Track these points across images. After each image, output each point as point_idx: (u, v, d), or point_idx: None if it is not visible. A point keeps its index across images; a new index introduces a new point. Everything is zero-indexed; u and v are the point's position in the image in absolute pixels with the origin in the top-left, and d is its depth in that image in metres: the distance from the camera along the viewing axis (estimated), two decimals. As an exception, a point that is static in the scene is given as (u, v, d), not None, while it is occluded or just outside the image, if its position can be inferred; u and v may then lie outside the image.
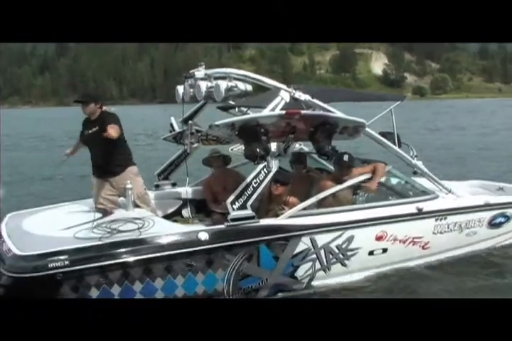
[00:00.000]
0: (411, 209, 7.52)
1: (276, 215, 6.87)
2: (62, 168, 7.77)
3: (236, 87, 6.62)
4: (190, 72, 7.07)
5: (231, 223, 6.34)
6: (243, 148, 6.69)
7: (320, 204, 7.23)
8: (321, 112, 6.92)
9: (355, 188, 7.59)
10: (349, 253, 7.11)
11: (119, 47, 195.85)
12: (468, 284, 7.32)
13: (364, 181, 7.54)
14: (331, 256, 7.00)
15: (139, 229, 6.17)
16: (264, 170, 6.50)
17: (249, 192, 6.41)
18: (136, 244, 5.97)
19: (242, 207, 6.37)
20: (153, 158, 17.06)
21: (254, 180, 6.47)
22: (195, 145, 8.56)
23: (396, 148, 7.78)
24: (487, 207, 8.23)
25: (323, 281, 7.10)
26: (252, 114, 7.02)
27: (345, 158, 7.46)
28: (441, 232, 7.82)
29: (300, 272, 6.89)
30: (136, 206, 7.16)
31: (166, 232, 6.23)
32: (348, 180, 7.47)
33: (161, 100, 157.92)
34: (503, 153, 22.76)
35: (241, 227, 6.40)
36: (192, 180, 8.87)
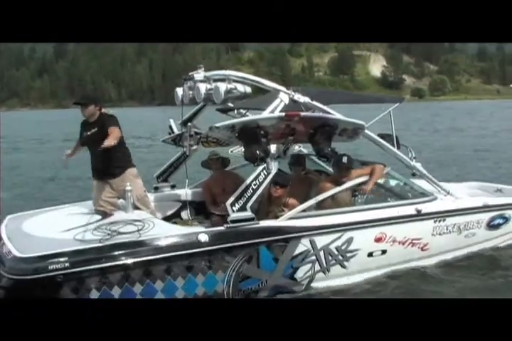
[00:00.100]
0: (410, 210, 7.52)
1: (276, 217, 6.88)
2: (61, 170, 7.76)
3: (235, 89, 6.63)
4: (190, 74, 7.08)
5: (231, 225, 6.35)
6: (243, 149, 6.70)
7: (319, 205, 7.22)
8: (321, 114, 6.94)
9: (354, 190, 7.60)
10: (348, 254, 7.12)
11: (118, 49, 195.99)
12: (469, 284, 7.35)
13: (362, 183, 7.56)
14: (330, 258, 7.01)
15: (138, 231, 6.17)
16: (264, 171, 6.51)
17: (248, 193, 6.42)
18: (136, 246, 5.98)
19: (242, 208, 6.38)
20: (151, 161, 17.09)
21: (254, 182, 6.47)
22: (194, 147, 8.55)
23: (395, 149, 7.79)
24: (485, 208, 8.25)
25: (322, 283, 7.10)
26: (251, 116, 7.03)
27: (344, 159, 7.48)
28: (440, 234, 7.83)
29: (300, 273, 6.90)
30: (136, 208, 7.15)
31: (166, 234, 6.23)
32: (347, 182, 7.48)
33: (160, 102, 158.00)
34: (502, 154, 22.79)
35: (241, 229, 6.40)
36: (191, 182, 8.87)
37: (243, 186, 6.48)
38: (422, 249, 7.77)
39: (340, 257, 7.08)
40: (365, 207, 7.44)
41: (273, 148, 7.09)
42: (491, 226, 8.39)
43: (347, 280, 7.25)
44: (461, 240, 8.14)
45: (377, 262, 7.42)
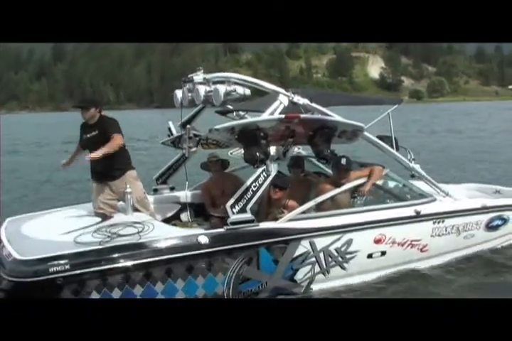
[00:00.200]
0: (409, 212, 7.54)
1: (276, 219, 6.88)
2: (60, 173, 7.75)
3: (235, 91, 6.62)
4: (189, 76, 7.09)
5: (231, 226, 6.36)
6: (242, 151, 6.71)
7: (319, 207, 7.25)
8: (320, 116, 6.95)
9: (353, 191, 7.62)
10: (348, 256, 7.13)
11: (116, 51, 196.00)
12: (468, 285, 7.37)
13: (361, 184, 7.57)
14: (330, 259, 7.02)
15: (138, 233, 6.17)
16: (264, 173, 6.52)
17: (248, 195, 6.43)
18: (136, 248, 5.98)
19: (242, 210, 6.39)
20: (150, 163, 17.08)
21: (254, 184, 6.48)
22: (194, 149, 8.57)
23: (394, 151, 7.81)
24: (484, 210, 8.26)
25: (322, 284, 7.11)
26: (251, 118, 7.04)
27: (343, 161, 7.50)
28: (439, 235, 7.84)
29: (299, 275, 6.91)
30: (136, 210, 7.15)
31: (166, 236, 6.24)
32: (346, 184, 7.50)
33: (158, 105, 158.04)
34: (500, 156, 22.80)
35: (241, 231, 6.41)
36: (190, 184, 8.88)
37: (243, 188, 6.49)
38: (422, 250, 7.78)
39: (339, 259, 7.09)
40: (365, 208, 7.45)
41: (273, 150, 7.08)
42: (490, 227, 8.41)
43: (347, 281, 7.26)
44: (460, 241, 8.16)
45: (377, 263, 7.43)
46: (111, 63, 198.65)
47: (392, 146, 7.85)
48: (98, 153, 6.92)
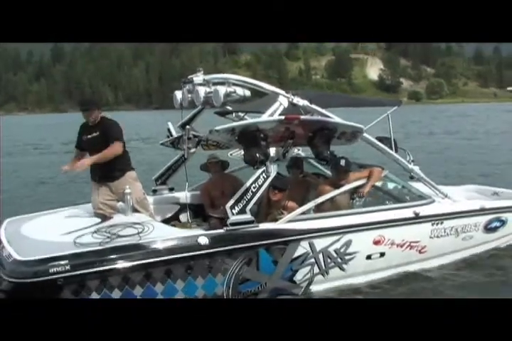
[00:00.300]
0: (408, 213, 7.56)
1: (275, 220, 6.89)
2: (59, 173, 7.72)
3: (235, 92, 6.63)
4: (189, 77, 7.11)
5: (230, 227, 6.37)
6: (242, 153, 6.72)
7: (318, 208, 7.27)
8: (320, 117, 6.96)
9: (352, 193, 7.64)
10: (347, 257, 7.15)
11: (114, 52, 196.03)
12: (466, 286, 7.38)
13: (360, 186, 7.60)
14: (329, 260, 7.04)
15: (138, 233, 6.17)
16: (263, 174, 6.53)
17: (248, 196, 6.44)
18: (136, 249, 5.99)
19: (242, 211, 6.40)
20: (149, 164, 17.09)
21: (253, 185, 6.49)
22: (193, 150, 8.60)
23: (393, 153, 7.82)
24: (483, 211, 8.28)
25: (321, 285, 7.12)
26: (251, 120, 7.05)
27: (342, 162, 7.52)
28: (437, 236, 7.86)
29: (299, 276, 6.92)
30: (135, 211, 7.15)
31: (166, 237, 6.24)
32: (346, 185, 7.52)
33: (157, 106, 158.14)
34: (499, 157, 22.83)
35: (240, 232, 6.42)
36: (189, 185, 8.89)
37: (243, 189, 6.51)
38: (420, 252, 7.80)
39: (339, 260, 7.10)
40: (364, 209, 7.47)
41: (272, 151, 7.10)
42: (488, 229, 8.42)
43: (346, 282, 7.27)
44: (459, 243, 8.17)
45: (376, 265, 7.44)
46: (110, 64, 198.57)
47: (391, 148, 7.86)
48: (91, 161, 7.09)
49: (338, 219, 7.12)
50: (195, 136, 8.50)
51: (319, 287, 7.11)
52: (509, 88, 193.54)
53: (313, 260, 6.93)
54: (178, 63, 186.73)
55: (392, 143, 7.98)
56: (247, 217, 6.46)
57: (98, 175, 7.45)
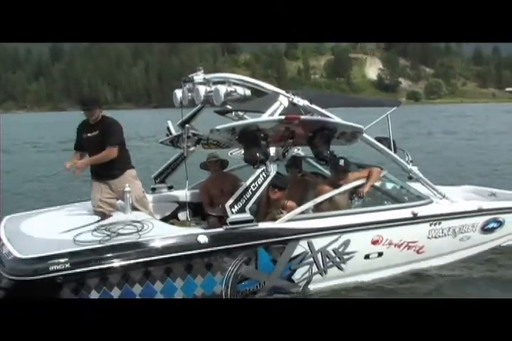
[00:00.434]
0: (406, 213, 7.58)
1: (275, 219, 6.91)
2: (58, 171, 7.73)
3: (235, 91, 6.65)
4: (189, 76, 7.12)
5: (230, 226, 6.39)
6: (242, 152, 6.75)
7: (317, 208, 7.30)
8: (320, 117, 6.98)
9: (352, 192, 7.67)
10: (345, 256, 7.17)
11: (114, 51, 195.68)
12: (464, 286, 7.43)
13: (359, 186, 7.62)
14: (327, 260, 7.06)
15: (138, 232, 6.20)
16: (263, 174, 6.55)
17: (247, 195, 6.46)
18: (135, 247, 6.01)
19: (241, 210, 6.42)
20: (148, 162, 17.10)
21: (253, 184, 6.51)
22: (192, 148, 8.62)
23: (392, 153, 7.85)
24: (480, 212, 8.31)
25: (319, 284, 7.15)
26: (252, 119, 7.07)
27: (341, 162, 7.54)
28: (435, 237, 7.88)
29: (297, 275, 6.95)
30: (135, 209, 7.17)
31: (165, 235, 6.26)
32: (345, 185, 7.55)
33: (156, 104, 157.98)
34: (496, 158, 22.85)
35: (240, 231, 6.44)
36: (188, 184, 8.91)
37: (242, 188, 6.52)
38: (418, 252, 7.83)
39: (337, 259, 7.13)
40: (362, 209, 7.50)
41: (272, 150, 7.12)
42: (486, 229, 8.45)
43: (344, 281, 7.29)
44: (456, 243, 8.19)
45: (374, 264, 7.47)
46: (109, 63, 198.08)
47: (390, 148, 7.90)
48: (85, 164, 7.25)
49: (337, 219, 7.15)
50: (194, 135, 8.51)
51: (317, 286, 7.13)
52: (508, 88, 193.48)
53: (311, 259, 6.95)
54: (178, 62, 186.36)
55: (392, 143, 8.01)
56: (247, 216, 6.48)
57: (98, 173, 7.47)
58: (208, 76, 6.99)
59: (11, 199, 13.48)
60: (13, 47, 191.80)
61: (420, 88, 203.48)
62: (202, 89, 6.87)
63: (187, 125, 8.47)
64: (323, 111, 7.09)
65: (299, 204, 7.23)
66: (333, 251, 7.06)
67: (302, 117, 6.54)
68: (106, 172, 7.38)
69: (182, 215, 8.84)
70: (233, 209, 6.39)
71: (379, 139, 7.86)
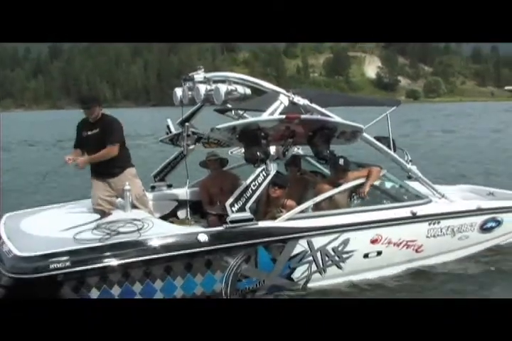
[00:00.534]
0: (405, 213, 7.60)
1: (274, 218, 6.94)
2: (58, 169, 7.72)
3: (236, 90, 6.67)
4: (190, 74, 7.12)
5: (230, 225, 6.40)
6: (243, 151, 6.76)
7: (316, 207, 7.31)
8: (320, 117, 6.99)
9: (351, 192, 7.69)
10: (345, 255, 7.19)
11: (113, 49, 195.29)
12: (463, 286, 7.42)
13: (359, 185, 7.64)
14: (326, 259, 7.09)
15: (138, 230, 6.21)
16: (263, 173, 6.56)
17: (248, 194, 6.46)
18: (136, 246, 6.02)
19: (241, 209, 6.42)
20: (147, 161, 17.09)
21: (253, 183, 6.51)
22: (192, 147, 8.63)
23: (391, 152, 7.87)
24: (479, 211, 8.34)
25: (318, 283, 7.17)
26: (252, 118, 7.09)
27: (341, 161, 7.56)
28: (434, 236, 7.91)
29: (297, 274, 6.97)
30: (134, 207, 7.20)
31: (165, 234, 6.27)
32: (344, 184, 7.57)
33: (155, 103, 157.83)
34: (495, 157, 22.87)
35: (240, 229, 6.45)
36: (186, 181, 8.94)
37: (242, 187, 6.53)
38: (417, 251, 7.85)
39: (336, 258, 7.15)
40: (362, 208, 7.52)
41: (272, 149, 7.14)
42: (484, 229, 8.48)
43: (343, 280, 7.32)
44: (455, 242, 8.22)
45: (373, 263, 7.49)
46: (108, 61, 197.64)
47: (389, 147, 7.91)
48: (86, 161, 7.26)
49: (337, 218, 7.17)
50: (194, 133, 8.53)
51: (317, 285, 7.15)
52: (506, 87, 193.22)
53: (311, 258, 6.98)
54: (177, 60, 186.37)
55: (391, 142, 8.02)
56: (247, 214, 6.49)
57: (98, 171, 7.48)
58: (209, 75, 6.99)
59: (11, 197, 13.48)
60: (12, 46, 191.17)
61: (419, 86, 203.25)
62: (202, 88, 6.88)
63: (187, 123, 8.48)
64: (324, 110, 7.11)
65: (298, 203, 7.27)
66: (333, 249, 7.08)
67: (302, 116, 6.57)
68: (106, 170, 7.40)
69: (181, 213, 8.86)
70: (233, 208, 6.40)
71: (378, 138, 7.87)
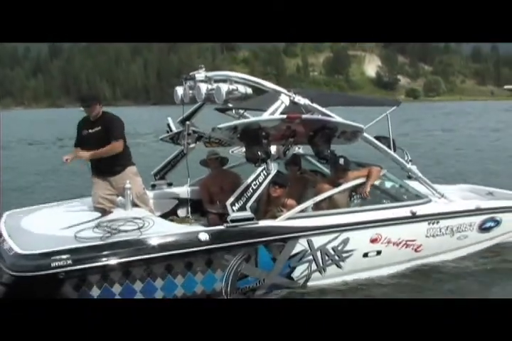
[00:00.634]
0: (405, 212, 7.63)
1: (275, 217, 6.97)
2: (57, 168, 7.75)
3: (237, 90, 6.70)
4: (191, 73, 7.13)
5: (231, 224, 6.42)
6: (243, 150, 6.78)
7: (317, 206, 7.33)
8: (321, 117, 7.02)
9: (351, 191, 7.71)
10: (344, 255, 7.21)
11: (113, 48, 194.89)
12: (461, 285, 7.46)
13: (359, 185, 7.67)
14: (326, 258, 7.11)
15: (139, 229, 6.22)
16: (264, 172, 6.57)
17: (248, 194, 6.48)
18: (137, 244, 6.04)
19: (242, 208, 6.45)
20: (144, 159, 17.12)
21: (254, 182, 6.53)
22: (192, 145, 8.65)
23: (391, 152, 7.90)
24: (478, 211, 8.36)
25: (318, 282, 7.19)
26: (253, 118, 7.11)
27: (341, 161, 7.58)
28: (433, 236, 7.93)
29: (296, 273, 6.99)
30: (135, 206, 7.22)
31: (166, 232, 6.29)
32: (344, 183, 7.59)
33: (155, 101, 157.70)
34: (494, 156, 22.88)
35: (240, 228, 6.47)
36: (187, 181, 8.96)
37: (243, 186, 6.55)
38: (416, 250, 7.87)
39: (336, 257, 7.17)
40: (362, 208, 7.55)
41: (273, 149, 7.16)
42: (483, 229, 8.50)
43: (342, 279, 7.35)
44: (454, 242, 8.25)
45: (372, 262, 7.52)
46: (108, 60, 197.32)
47: (389, 147, 7.93)
48: (91, 154, 7.21)
49: (337, 218, 7.20)
50: (194, 132, 8.54)
51: (316, 284, 7.17)
52: (506, 86, 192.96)
53: (311, 257, 7.00)
54: (176, 59, 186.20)
55: (391, 142, 8.04)
56: (247, 214, 6.51)
57: (99, 169, 7.50)
58: (210, 74, 6.99)
59: (10, 196, 13.49)
60: (12, 45, 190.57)
61: (419, 85, 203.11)
62: (203, 87, 6.89)
63: (187, 122, 8.49)
64: (324, 110, 7.13)
65: (298, 202, 7.30)
66: (333, 249, 7.10)
67: (303, 116, 6.60)
68: (107, 168, 7.42)
69: (181, 212, 8.87)
70: (234, 207, 6.42)
71: (378, 138, 7.89)
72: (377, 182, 7.84)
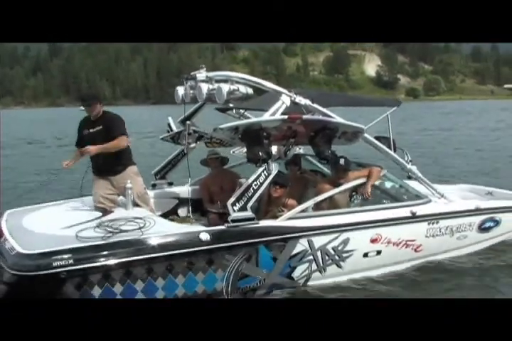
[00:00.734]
0: (405, 212, 7.64)
1: (275, 217, 6.98)
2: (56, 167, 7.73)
3: (238, 90, 6.71)
4: (192, 73, 7.13)
5: (231, 224, 6.43)
6: (245, 150, 6.79)
7: (317, 206, 7.33)
8: (322, 117, 7.03)
9: (351, 191, 7.73)
10: (344, 255, 7.22)
11: (112, 47, 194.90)
12: (460, 285, 7.47)
13: (360, 185, 7.69)
14: (327, 258, 7.12)
15: (140, 228, 6.22)
16: (265, 172, 6.58)
17: (249, 194, 6.48)
18: (138, 244, 6.04)
19: (243, 208, 6.45)
20: (144, 158, 17.13)
21: (255, 182, 6.53)
22: (193, 145, 8.66)
23: (392, 152, 7.91)
24: (477, 211, 8.37)
25: (318, 282, 7.21)
26: (255, 118, 7.12)
27: (342, 161, 7.59)
28: (433, 236, 7.94)
29: (297, 273, 7.00)
30: (136, 205, 7.22)
31: (168, 232, 6.30)
32: (345, 184, 7.61)
33: (154, 101, 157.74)
34: (494, 155, 22.89)
35: (241, 228, 6.48)
36: (187, 180, 8.98)
37: (244, 186, 6.55)
38: (416, 250, 7.89)
39: (336, 257, 7.18)
40: (362, 208, 7.56)
41: (274, 149, 7.17)
42: (482, 229, 8.51)
43: (342, 279, 7.36)
44: (453, 242, 8.26)
45: (373, 262, 7.53)
46: (107, 59, 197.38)
47: (389, 147, 7.95)
48: (97, 148, 7.12)
49: (337, 218, 7.20)
50: (195, 132, 8.55)
51: (317, 284, 7.19)
52: (506, 85, 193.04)
53: (311, 257, 7.01)
54: (176, 59, 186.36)
55: (391, 143, 8.06)
56: (248, 214, 6.51)
57: (100, 168, 7.51)
58: (211, 74, 6.99)
59: (11, 194, 13.49)
60: (12, 44, 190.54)
61: (419, 85, 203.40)
62: (204, 87, 6.90)
63: (188, 122, 8.50)
64: (325, 110, 7.15)
65: (298, 202, 7.32)
66: (333, 249, 7.12)
67: (304, 117, 6.61)
68: (108, 168, 7.42)
69: (182, 211, 8.88)
70: (235, 207, 6.43)
71: (378, 138, 7.91)
72: (377, 183, 7.85)
